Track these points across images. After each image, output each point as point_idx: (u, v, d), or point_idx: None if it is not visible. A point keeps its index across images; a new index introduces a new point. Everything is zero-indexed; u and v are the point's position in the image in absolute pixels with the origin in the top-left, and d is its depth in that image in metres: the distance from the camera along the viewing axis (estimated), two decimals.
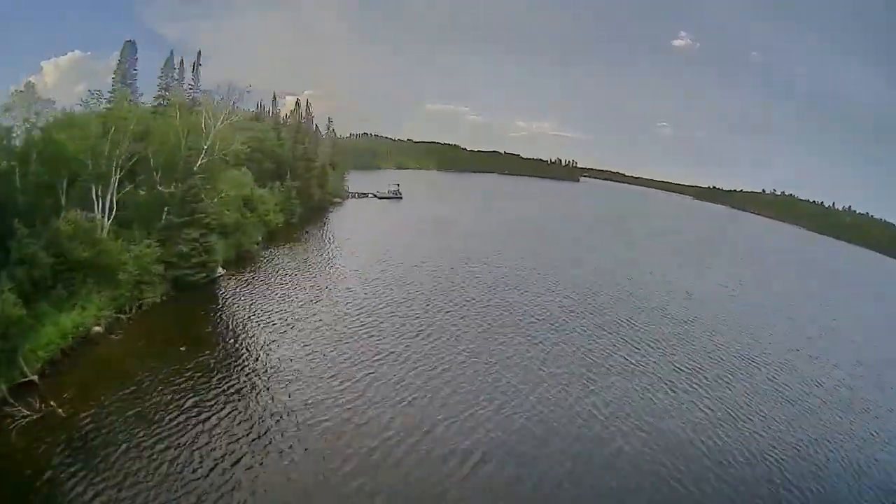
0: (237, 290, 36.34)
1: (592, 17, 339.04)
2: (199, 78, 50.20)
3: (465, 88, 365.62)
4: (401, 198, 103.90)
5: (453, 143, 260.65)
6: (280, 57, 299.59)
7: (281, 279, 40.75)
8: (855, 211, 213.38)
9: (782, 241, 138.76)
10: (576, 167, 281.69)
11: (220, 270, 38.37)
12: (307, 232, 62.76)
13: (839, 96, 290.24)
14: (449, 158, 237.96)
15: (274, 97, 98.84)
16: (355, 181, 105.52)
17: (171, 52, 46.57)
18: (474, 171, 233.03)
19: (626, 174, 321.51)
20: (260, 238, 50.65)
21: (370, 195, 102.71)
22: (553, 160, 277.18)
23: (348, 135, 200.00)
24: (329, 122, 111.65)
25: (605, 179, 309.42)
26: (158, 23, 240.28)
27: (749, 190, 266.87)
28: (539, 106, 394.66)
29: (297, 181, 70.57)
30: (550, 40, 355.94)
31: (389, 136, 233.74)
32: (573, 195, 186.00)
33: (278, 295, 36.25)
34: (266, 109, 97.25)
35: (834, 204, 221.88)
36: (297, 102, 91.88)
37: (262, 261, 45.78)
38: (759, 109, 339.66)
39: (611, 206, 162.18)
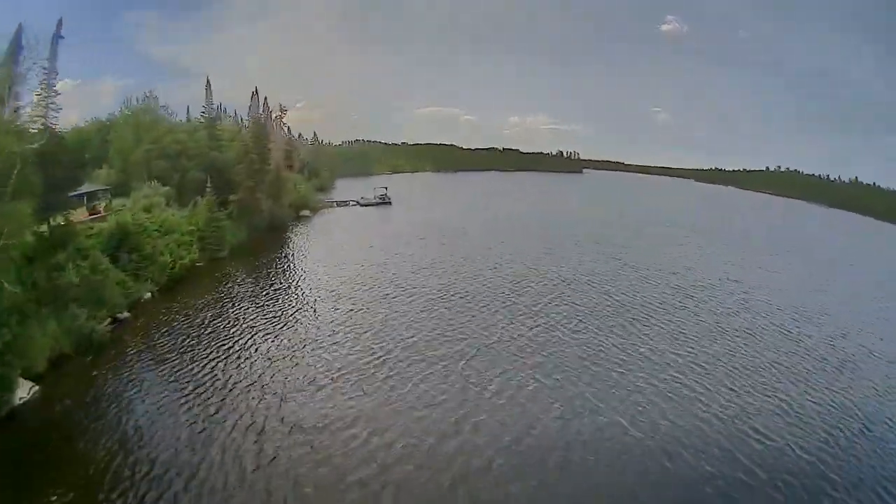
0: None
1: (580, 10, 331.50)
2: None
3: (457, 90, 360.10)
4: (389, 203, 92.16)
5: (449, 143, 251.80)
6: (272, 69, 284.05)
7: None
8: (861, 182, 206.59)
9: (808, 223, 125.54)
10: (578, 159, 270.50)
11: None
12: (236, 274, 41.36)
13: (830, 72, 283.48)
14: (445, 159, 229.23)
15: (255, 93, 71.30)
16: (345, 189, 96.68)
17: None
18: (472, 170, 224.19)
19: (626, 163, 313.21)
20: (131, 304, 30.35)
21: (352, 203, 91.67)
22: (554, 153, 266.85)
23: (340, 142, 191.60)
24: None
25: (607, 169, 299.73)
26: (146, 46, 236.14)
27: (752, 168, 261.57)
28: (530, 100, 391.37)
29: (241, 193, 55.36)
30: (538, 35, 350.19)
31: (383, 141, 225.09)
32: (578, 188, 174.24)
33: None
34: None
35: (840, 177, 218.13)
36: (254, 94, 69.10)
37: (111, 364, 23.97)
38: (749, 88, 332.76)
39: (628, 198, 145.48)
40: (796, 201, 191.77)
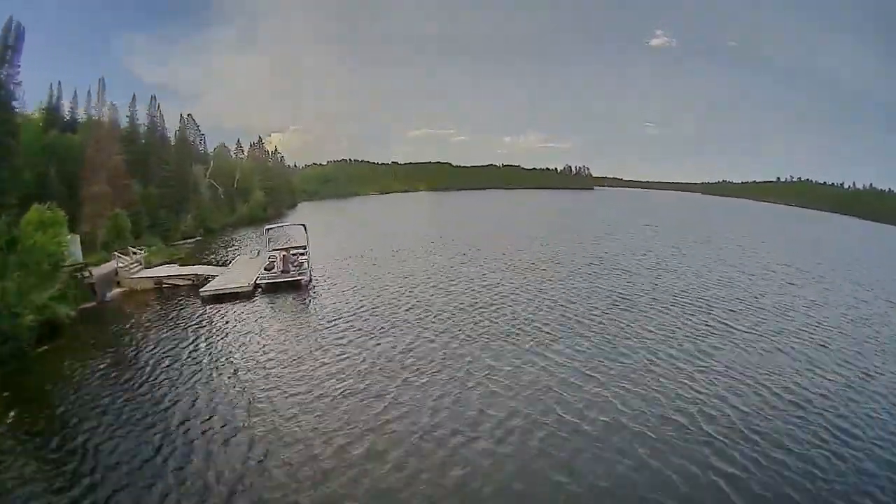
0: None
1: (569, 27, 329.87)
2: None
3: (448, 111, 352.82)
4: (302, 275, 30.42)
5: (444, 161, 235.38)
6: (262, 93, 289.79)
7: None
8: (876, 188, 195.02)
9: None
10: (589, 175, 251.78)
11: None
12: None
13: (820, 72, 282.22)
14: (439, 178, 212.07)
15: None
16: (301, 216, 76.66)
17: None
18: (470, 189, 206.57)
19: (625, 178, 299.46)
20: None
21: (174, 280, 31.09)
22: (561, 169, 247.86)
23: (325, 162, 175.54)
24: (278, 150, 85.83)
25: (610, 186, 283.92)
26: (138, 68, 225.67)
27: (762, 180, 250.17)
28: (522, 119, 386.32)
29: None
30: (528, 54, 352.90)
31: (372, 161, 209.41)
32: (615, 210, 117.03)
33: None
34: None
35: (854, 184, 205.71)
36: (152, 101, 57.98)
37: None
38: (740, 96, 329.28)
39: (679, 218, 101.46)
40: (813, 211, 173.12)
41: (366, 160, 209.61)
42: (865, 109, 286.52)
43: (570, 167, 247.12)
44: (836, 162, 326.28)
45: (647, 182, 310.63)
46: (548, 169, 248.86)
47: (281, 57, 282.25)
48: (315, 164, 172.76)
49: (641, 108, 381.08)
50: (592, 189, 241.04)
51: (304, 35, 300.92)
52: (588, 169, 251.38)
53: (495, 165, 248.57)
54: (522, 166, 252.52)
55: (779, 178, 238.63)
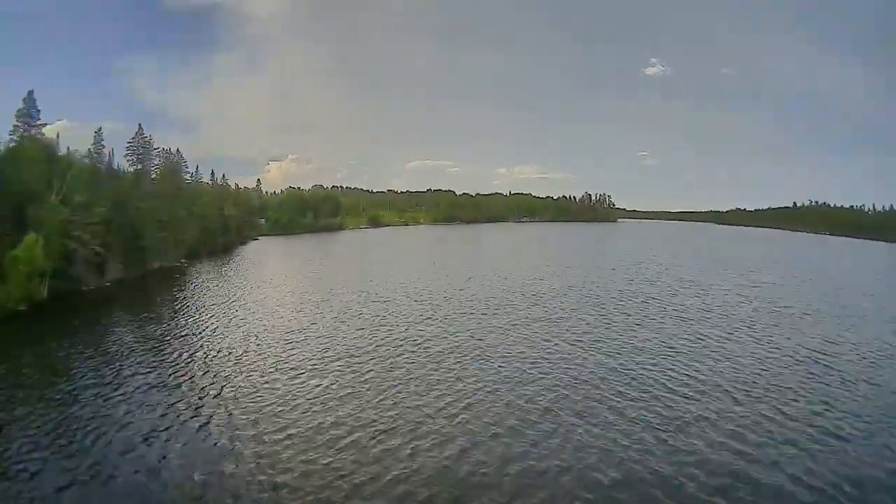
0: None
1: (567, 58, 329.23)
2: None
3: (445, 143, 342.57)
4: None
5: (446, 188, 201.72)
6: (264, 122, 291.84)
7: None
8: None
9: None
10: (612, 207, 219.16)
11: None
12: None
13: (817, 95, 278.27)
14: (442, 208, 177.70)
15: None
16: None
17: None
18: (478, 223, 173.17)
19: (629, 209, 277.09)
20: None
21: None
22: (579, 197, 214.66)
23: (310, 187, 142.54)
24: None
25: (620, 217, 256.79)
26: (141, 93, 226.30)
27: (777, 206, 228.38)
28: (517, 152, 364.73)
29: None
30: (522, 87, 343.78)
31: (365, 188, 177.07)
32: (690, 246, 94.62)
33: None
34: None
35: (874, 206, 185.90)
36: None
37: None
38: (738, 123, 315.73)
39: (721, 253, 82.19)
40: (833, 237, 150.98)
41: (359, 187, 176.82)
42: (863, 131, 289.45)
43: (590, 195, 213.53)
44: (839, 184, 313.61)
45: (656, 212, 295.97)
46: (565, 197, 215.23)
47: (281, 86, 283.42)
48: (293, 187, 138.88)
49: (636, 138, 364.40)
50: (615, 222, 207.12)
51: (306, 66, 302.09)
52: (610, 198, 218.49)
53: (501, 194, 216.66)
54: (534, 194, 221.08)
55: (795, 204, 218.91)
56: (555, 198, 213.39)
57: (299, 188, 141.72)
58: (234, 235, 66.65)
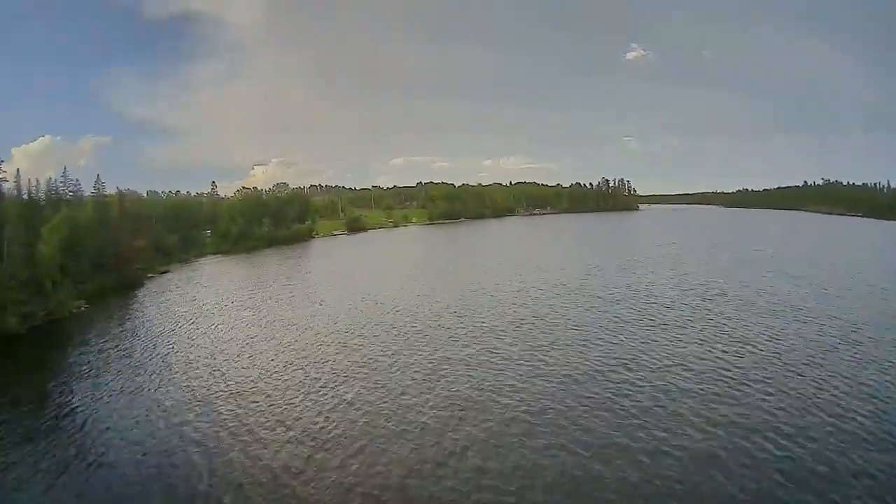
0: None
1: (546, 46, 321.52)
2: None
3: (427, 138, 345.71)
4: None
5: (438, 181, 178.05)
6: (246, 127, 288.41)
7: None
8: None
9: None
10: (634, 194, 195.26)
11: None
12: None
13: (794, 74, 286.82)
14: (437, 201, 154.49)
15: None
16: None
17: None
18: (477, 219, 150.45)
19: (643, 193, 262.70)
20: None
21: None
22: (594, 185, 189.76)
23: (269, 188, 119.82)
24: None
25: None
26: (124, 105, 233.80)
27: (786, 185, 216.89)
28: (502, 143, 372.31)
29: None
30: (504, 78, 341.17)
31: (348, 186, 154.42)
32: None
33: None
34: None
35: (889, 183, 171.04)
36: None
37: None
38: (718, 103, 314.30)
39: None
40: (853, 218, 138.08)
41: (341, 185, 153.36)
42: (847, 111, 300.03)
43: (608, 181, 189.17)
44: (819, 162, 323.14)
45: (654, 196, 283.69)
46: (578, 184, 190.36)
47: (264, 91, 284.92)
48: (246, 188, 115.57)
49: (620, 124, 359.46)
50: (637, 209, 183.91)
51: (287, 70, 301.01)
52: (630, 184, 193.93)
53: (500, 184, 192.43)
54: (538, 182, 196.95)
55: (805, 182, 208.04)
56: (565, 185, 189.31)
57: (255, 188, 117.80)
58: (119, 267, 43.26)
